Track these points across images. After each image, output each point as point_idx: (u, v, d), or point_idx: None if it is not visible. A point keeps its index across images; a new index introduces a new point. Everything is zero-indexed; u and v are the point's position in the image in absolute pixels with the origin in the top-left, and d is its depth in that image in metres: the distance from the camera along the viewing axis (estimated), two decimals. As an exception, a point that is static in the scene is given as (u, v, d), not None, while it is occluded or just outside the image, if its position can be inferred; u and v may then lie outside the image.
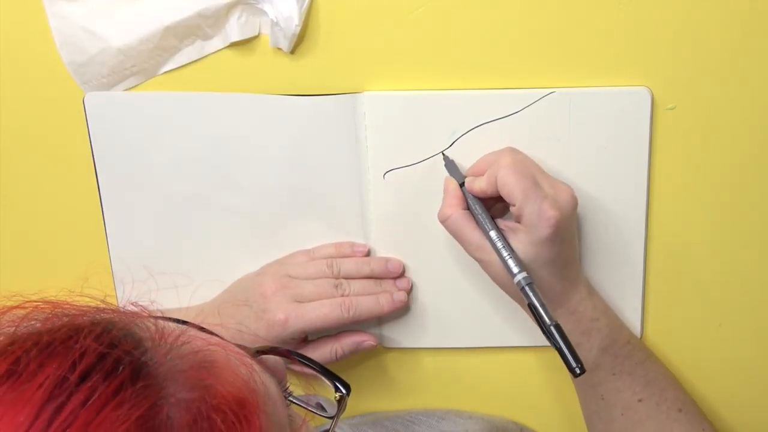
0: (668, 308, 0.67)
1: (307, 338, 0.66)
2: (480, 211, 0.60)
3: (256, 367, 0.38)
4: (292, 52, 0.63)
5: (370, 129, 0.64)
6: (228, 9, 0.61)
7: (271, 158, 0.66)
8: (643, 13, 0.60)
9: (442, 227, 0.66)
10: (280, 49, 0.62)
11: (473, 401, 0.72)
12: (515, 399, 0.71)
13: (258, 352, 0.42)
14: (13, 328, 0.34)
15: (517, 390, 0.71)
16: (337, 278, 0.65)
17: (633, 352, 0.63)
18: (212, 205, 0.67)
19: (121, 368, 0.32)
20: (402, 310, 0.67)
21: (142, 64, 0.63)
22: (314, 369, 0.45)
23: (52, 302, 0.36)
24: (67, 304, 0.36)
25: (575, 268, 0.62)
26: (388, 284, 0.66)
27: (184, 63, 0.64)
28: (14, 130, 0.66)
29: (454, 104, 0.63)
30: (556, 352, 0.55)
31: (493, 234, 0.59)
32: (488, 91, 0.63)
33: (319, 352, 0.65)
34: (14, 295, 0.36)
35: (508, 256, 0.58)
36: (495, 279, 0.61)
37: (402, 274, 0.67)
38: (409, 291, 0.67)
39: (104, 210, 0.68)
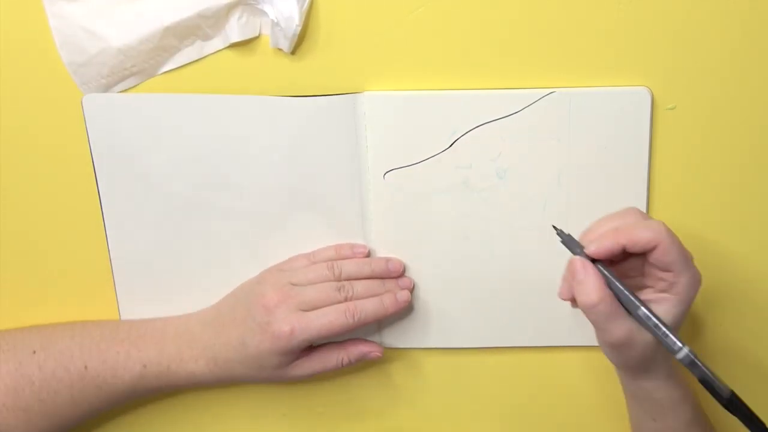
0: (668, 308, 0.67)
1: (311, 345, 0.66)
2: (624, 287, 0.54)
3: None
4: (293, 52, 0.63)
5: (370, 129, 0.64)
6: (228, 9, 0.61)
7: (271, 159, 0.66)
8: (643, 13, 0.60)
9: (441, 228, 0.66)
10: (280, 49, 0.62)
11: (474, 401, 0.72)
12: (516, 399, 0.71)
13: None
14: None
15: (518, 390, 0.71)
16: (339, 281, 0.64)
17: (709, 423, 0.62)
18: (212, 205, 0.67)
19: None
20: (405, 310, 0.67)
21: (142, 64, 0.63)
22: None
23: None
24: None
25: None
26: (390, 284, 0.66)
27: (184, 63, 0.64)
28: (14, 130, 0.66)
29: (454, 104, 0.63)
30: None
31: (644, 311, 0.54)
32: (488, 91, 0.63)
33: (326, 360, 0.65)
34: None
35: (665, 333, 0.53)
36: (630, 361, 0.56)
37: (403, 274, 0.67)
38: (411, 290, 0.67)
39: (104, 211, 0.68)
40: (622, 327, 0.54)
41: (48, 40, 0.63)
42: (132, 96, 0.65)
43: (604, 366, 0.69)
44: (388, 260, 0.66)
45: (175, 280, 0.69)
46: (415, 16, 0.62)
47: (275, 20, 0.61)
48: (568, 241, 0.57)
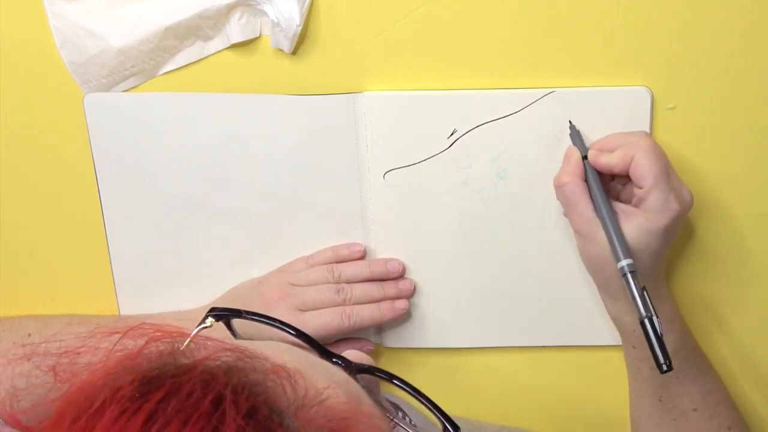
0: (668, 308, 0.67)
1: None
2: (599, 186, 0.59)
3: (383, 422, 0.39)
4: (293, 52, 0.63)
5: (370, 129, 0.64)
6: (228, 10, 0.61)
7: (271, 158, 0.66)
8: (643, 14, 0.60)
9: (441, 228, 0.66)
10: (280, 50, 0.62)
11: (473, 401, 0.72)
12: (515, 399, 0.71)
13: (358, 371, 0.42)
14: (133, 360, 0.34)
15: (517, 390, 0.71)
16: (338, 283, 0.65)
17: (698, 360, 0.62)
18: (212, 205, 0.67)
19: None
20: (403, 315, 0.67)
21: (142, 64, 0.63)
22: (421, 400, 0.44)
23: (174, 332, 0.36)
24: (185, 333, 0.36)
25: (665, 267, 0.62)
26: (390, 286, 0.66)
27: (184, 64, 0.64)
28: (14, 130, 0.66)
29: (454, 104, 0.63)
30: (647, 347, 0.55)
31: (607, 212, 0.58)
32: (488, 91, 0.63)
33: None
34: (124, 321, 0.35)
35: (618, 238, 0.57)
36: (589, 257, 0.60)
37: (402, 274, 0.67)
38: (412, 293, 0.67)
39: (104, 210, 0.68)
40: (583, 216, 0.58)
41: (48, 40, 0.63)
42: (132, 95, 0.65)
43: (603, 366, 0.69)
44: (387, 261, 0.66)
45: (174, 279, 0.69)
46: (415, 16, 0.62)
47: (275, 21, 0.61)
48: (574, 137, 0.61)
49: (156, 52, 0.63)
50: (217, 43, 0.63)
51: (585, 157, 0.60)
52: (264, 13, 0.61)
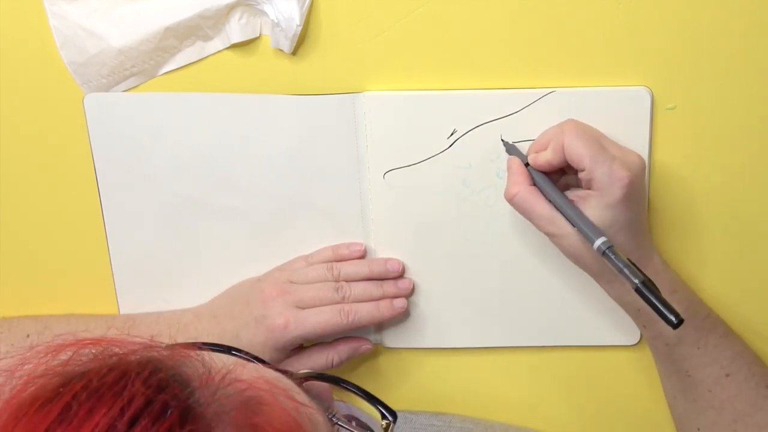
0: (668, 308, 0.67)
1: (302, 345, 0.67)
2: (546, 184, 0.59)
3: (302, 398, 0.38)
4: (293, 53, 0.63)
5: (370, 129, 0.64)
6: (228, 10, 0.61)
7: (271, 158, 0.66)
8: (643, 14, 0.60)
9: (441, 228, 0.66)
10: (280, 50, 0.62)
11: (473, 401, 0.72)
12: (514, 399, 0.71)
13: (304, 379, 0.42)
14: (63, 366, 0.35)
15: (517, 390, 0.71)
16: (337, 282, 0.65)
17: (715, 326, 0.61)
18: (212, 205, 0.67)
19: (169, 412, 0.33)
20: (402, 314, 0.67)
21: (143, 64, 0.63)
22: (361, 395, 0.45)
23: (103, 340, 0.37)
24: (117, 341, 0.37)
25: (648, 237, 0.61)
26: (389, 285, 0.66)
27: (184, 64, 0.64)
28: (14, 130, 0.66)
29: (454, 104, 0.63)
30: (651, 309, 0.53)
31: (565, 204, 0.58)
32: (488, 91, 0.63)
33: (315, 359, 0.66)
34: (64, 334, 0.37)
35: (583, 224, 0.56)
36: (568, 253, 0.59)
37: (402, 274, 0.67)
38: (411, 293, 0.67)
39: (104, 210, 0.68)
40: (545, 219, 0.58)
41: (48, 40, 0.63)
42: (133, 95, 0.65)
43: (604, 365, 0.69)
44: (386, 261, 0.66)
45: (174, 279, 0.69)
46: (415, 16, 0.62)
47: (276, 21, 0.61)
48: (511, 150, 0.62)
49: (156, 52, 0.63)
50: (217, 43, 0.63)
51: (528, 164, 0.60)
52: (264, 13, 0.61)
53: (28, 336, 0.64)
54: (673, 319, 0.52)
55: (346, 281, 0.65)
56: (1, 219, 0.69)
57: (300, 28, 0.61)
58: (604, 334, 0.67)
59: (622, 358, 0.69)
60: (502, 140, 0.63)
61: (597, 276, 0.60)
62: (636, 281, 0.53)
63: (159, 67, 0.64)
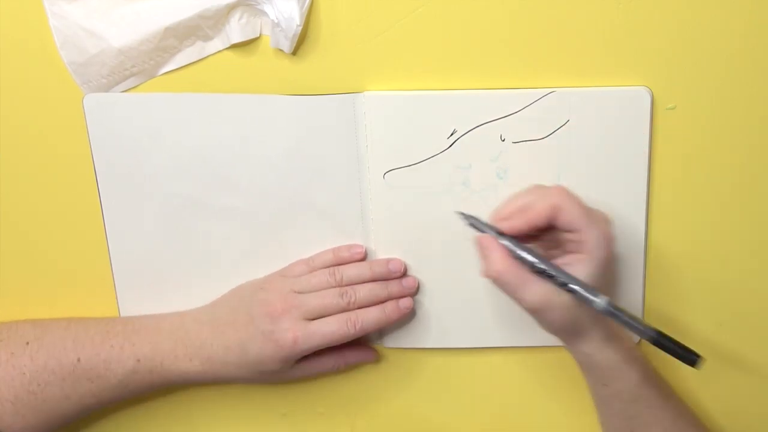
0: (668, 308, 0.67)
1: None
2: (535, 255, 0.57)
3: None
4: (293, 53, 0.63)
5: (370, 129, 0.64)
6: (228, 10, 0.61)
7: (271, 158, 0.66)
8: (643, 14, 0.60)
9: (441, 228, 0.66)
10: (280, 50, 0.62)
11: (474, 401, 0.72)
12: (516, 399, 0.71)
13: None
14: None
15: (517, 390, 0.71)
16: (341, 286, 0.65)
17: (663, 385, 0.62)
18: (212, 205, 0.67)
19: None
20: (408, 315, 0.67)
21: (142, 64, 0.63)
22: None
23: None
24: None
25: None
26: (394, 285, 0.66)
27: (184, 64, 0.64)
28: (14, 130, 0.66)
29: (454, 104, 0.63)
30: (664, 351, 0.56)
31: (556, 270, 0.57)
32: (488, 91, 0.63)
33: (323, 364, 0.66)
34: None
35: (582, 287, 0.56)
36: (554, 325, 0.58)
37: (404, 274, 0.67)
38: (416, 291, 0.67)
39: (104, 211, 0.68)
40: (534, 291, 0.57)
41: (48, 40, 0.63)
42: (133, 95, 0.65)
43: None
44: (388, 261, 0.66)
45: (174, 279, 0.69)
46: (415, 16, 0.62)
47: (276, 21, 0.61)
48: (475, 223, 0.60)
49: (156, 52, 0.63)
50: (217, 43, 0.63)
51: (501, 233, 0.58)
52: (264, 13, 0.61)
53: (27, 343, 0.64)
54: (696, 359, 0.55)
55: (350, 285, 0.65)
56: (1, 218, 0.69)
57: (300, 28, 0.61)
58: None
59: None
60: (461, 213, 0.61)
61: (573, 339, 0.60)
62: (652, 335, 0.55)
63: (159, 67, 0.64)
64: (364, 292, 0.65)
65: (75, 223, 0.69)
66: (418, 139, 0.64)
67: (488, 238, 0.59)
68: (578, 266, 0.57)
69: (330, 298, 0.64)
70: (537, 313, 0.58)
